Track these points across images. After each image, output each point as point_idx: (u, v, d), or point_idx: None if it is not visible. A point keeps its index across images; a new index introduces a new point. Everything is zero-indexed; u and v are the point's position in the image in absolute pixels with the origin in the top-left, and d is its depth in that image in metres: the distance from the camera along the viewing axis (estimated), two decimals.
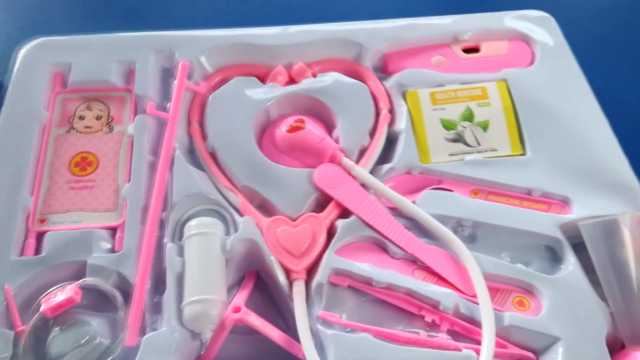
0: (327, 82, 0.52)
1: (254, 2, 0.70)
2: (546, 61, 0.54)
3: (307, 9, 0.69)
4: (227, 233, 0.44)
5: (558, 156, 0.48)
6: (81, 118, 0.50)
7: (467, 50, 0.55)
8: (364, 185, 0.46)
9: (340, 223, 0.44)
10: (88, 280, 0.41)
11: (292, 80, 0.53)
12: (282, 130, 0.49)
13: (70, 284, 0.41)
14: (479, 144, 0.49)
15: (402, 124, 0.50)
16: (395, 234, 0.44)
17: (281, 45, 0.54)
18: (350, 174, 0.47)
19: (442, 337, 0.40)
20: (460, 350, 0.39)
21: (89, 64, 0.52)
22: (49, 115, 0.50)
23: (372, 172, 0.48)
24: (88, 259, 0.42)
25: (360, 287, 0.42)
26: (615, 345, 0.41)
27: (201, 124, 0.50)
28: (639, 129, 0.55)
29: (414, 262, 0.44)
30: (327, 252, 0.43)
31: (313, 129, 0.49)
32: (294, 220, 0.45)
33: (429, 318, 0.41)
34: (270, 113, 0.51)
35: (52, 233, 0.43)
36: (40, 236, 0.44)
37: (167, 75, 0.53)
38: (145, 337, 0.39)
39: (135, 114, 0.50)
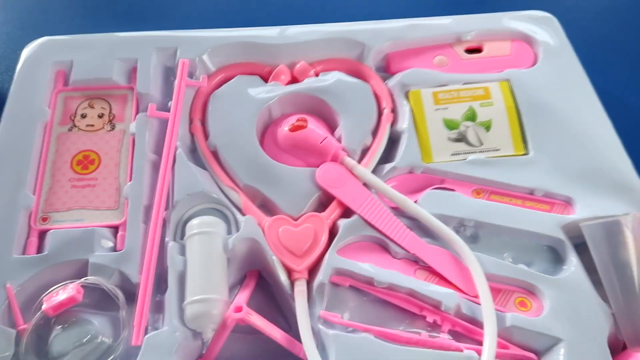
0: (329, 82, 0.51)
1: (255, 3, 0.70)
2: (549, 61, 0.54)
3: (308, 10, 0.69)
4: (229, 232, 0.44)
5: (561, 156, 0.48)
6: (83, 116, 0.50)
7: (469, 51, 0.55)
8: (366, 185, 0.46)
9: (342, 222, 0.44)
10: (90, 278, 0.41)
11: (294, 80, 0.53)
12: (284, 129, 0.49)
13: (72, 282, 0.41)
14: (481, 143, 0.49)
15: (404, 123, 0.50)
16: (397, 233, 0.44)
17: (284, 45, 0.54)
18: (352, 173, 0.47)
19: (444, 337, 0.40)
20: (461, 350, 0.39)
21: (91, 62, 0.52)
22: (51, 114, 0.50)
23: (374, 171, 0.48)
24: (90, 258, 0.42)
25: (362, 287, 0.42)
26: (617, 346, 0.41)
27: (203, 123, 0.50)
28: None
29: (416, 262, 0.43)
30: (328, 252, 0.43)
31: (315, 128, 0.49)
32: (296, 219, 0.45)
33: (430, 318, 0.41)
34: (273, 112, 0.51)
35: (54, 231, 0.43)
36: (42, 234, 0.44)
37: (169, 73, 0.53)
38: (147, 336, 0.39)
39: (137, 112, 0.50)
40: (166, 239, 0.44)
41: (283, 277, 0.42)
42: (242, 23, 0.56)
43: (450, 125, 0.50)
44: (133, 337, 0.39)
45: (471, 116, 0.50)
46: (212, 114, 0.50)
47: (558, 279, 0.42)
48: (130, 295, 0.41)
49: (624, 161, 0.48)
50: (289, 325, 0.43)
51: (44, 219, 0.45)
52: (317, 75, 0.53)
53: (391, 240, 0.43)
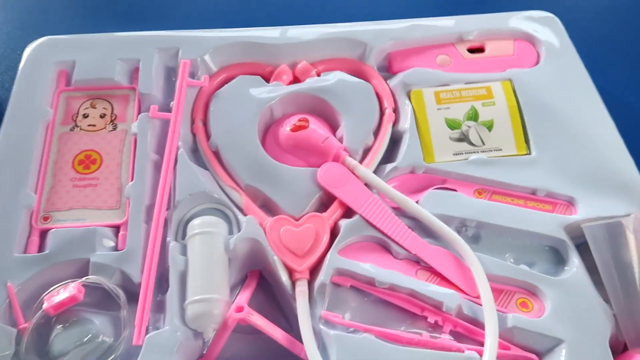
0: (331, 81, 0.51)
1: (255, 3, 0.70)
2: (551, 61, 0.54)
3: (308, 10, 0.69)
4: (230, 232, 0.44)
5: (563, 156, 0.48)
6: (85, 116, 0.50)
7: (472, 51, 0.55)
8: (367, 185, 0.46)
9: (343, 223, 0.44)
10: (91, 278, 0.41)
11: (296, 79, 0.53)
12: (285, 129, 0.49)
13: (73, 281, 0.41)
14: (483, 143, 0.49)
15: (406, 123, 0.50)
16: (399, 234, 0.44)
17: (285, 45, 0.54)
18: (354, 173, 0.46)
19: (445, 338, 0.40)
20: (462, 351, 0.39)
21: (93, 62, 0.52)
22: (53, 113, 0.50)
23: (375, 171, 0.48)
24: (91, 257, 0.42)
25: (363, 287, 0.42)
26: (618, 347, 0.41)
27: (205, 123, 0.50)
28: None
29: (417, 263, 0.43)
30: (330, 252, 0.43)
31: (317, 128, 0.49)
32: (297, 219, 0.45)
33: (431, 319, 0.41)
34: (274, 112, 0.51)
35: (55, 231, 0.44)
36: (43, 234, 0.44)
37: (171, 73, 0.53)
38: (147, 335, 0.39)
39: (139, 112, 0.50)
40: (167, 238, 0.44)
41: (284, 277, 0.42)
42: (242, 23, 0.56)
43: (452, 125, 0.50)
44: (134, 337, 0.39)
45: (473, 116, 0.50)
46: (213, 114, 0.50)
47: (559, 280, 0.42)
48: (132, 294, 0.41)
49: (627, 161, 0.48)
50: (290, 325, 0.43)
51: (46, 218, 0.45)
52: (318, 75, 0.53)
53: (392, 240, 0.43)
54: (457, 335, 0.41)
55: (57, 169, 0.47)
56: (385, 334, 0.39)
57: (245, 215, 0.45)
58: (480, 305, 0.40)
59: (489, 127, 0.50)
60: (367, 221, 0.44)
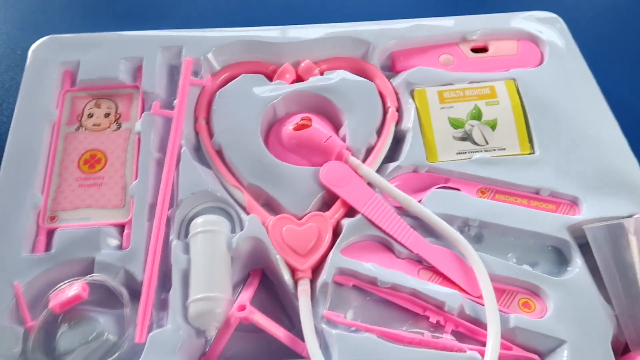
0: (334, 80, 0.51)
1: (257, 3, 0.70)
2: (555, 61, 0.53)
3: (309, 10, 0.68)
4: (233, 231, 0.44)
5: (567, 156, 0.48)
6: (90, 116, 0.51)
7: (475, 50, 0.55)
8: (370, 184, 0.46)
9: (345, 222, 0.44)
10: (95, 276, 0.42)
11: (299, 78, 0.53)
12: (288, 128, 0.49)
13: (77, 280, 0.41)
14: (487, 142, 0.49)
15: (409, 122, 0.50)
16: (401, 233, 0.44)
17: (288, 43, 0.54)
18: (356, 172, 0.46)
19: (447, 338, 0.40)
20: (464, 351, 0.39)
21: (97, 62, 0.52)
22: (59, 114, 0.50)
23: (378, 170, 0.47)
24: (96, 256, 0.42)
25: (365, 286, 0.42)
26: (619, 348, 0.40)
27: (208, 121, 0.50)
28: None
29: (420, 262, 0.43)
30: (332, 251, 0.43)
31: (320, 127, 0.49)
32: (300, 218, 0.45)
33: (433, 319, 0.41)
34: (277, 111, 0.51)
35: (61, 230, 0.44)
36: (50, 233, 0.45)
37: (174, 72, 0.53)
38: (150, 333, 0.39)
39: (143, 110, 0.50)
40: (170, 237, 0.44)
41: (287, 276, 0.43)
42: (243, 23, 0.56)
43: (456, 124, 0.50)
44: (137, 335, 0.39)
45: (477, 115, 0.50)
46: (216, 113, 0.50)
47: (562, 281, 0.42)
48: (135, 293, 0.41)
49: (630, 161, 0.47)
50: (292, 324, 0.43)
51: (52, 218, 0.45)
52: (321, 74, 0.53)
53: (395, 240, 0.43)
54: (459, 335, 0.41)
55: (63, 169, 0.48)
56: (387, 334, 0.40)
57: (247, 214, 0.45)
58: (483, 305, 0.40)
59: (493, 126, 0.49)
60: (370, 220, 0.44)
